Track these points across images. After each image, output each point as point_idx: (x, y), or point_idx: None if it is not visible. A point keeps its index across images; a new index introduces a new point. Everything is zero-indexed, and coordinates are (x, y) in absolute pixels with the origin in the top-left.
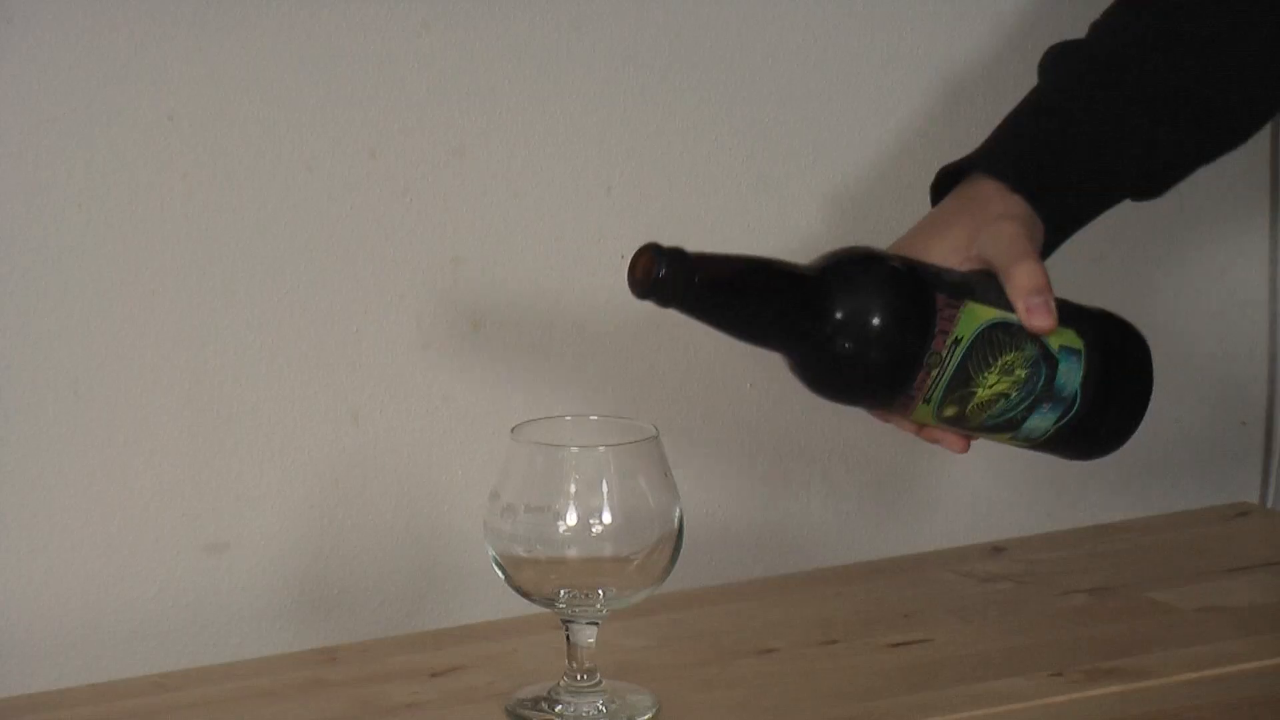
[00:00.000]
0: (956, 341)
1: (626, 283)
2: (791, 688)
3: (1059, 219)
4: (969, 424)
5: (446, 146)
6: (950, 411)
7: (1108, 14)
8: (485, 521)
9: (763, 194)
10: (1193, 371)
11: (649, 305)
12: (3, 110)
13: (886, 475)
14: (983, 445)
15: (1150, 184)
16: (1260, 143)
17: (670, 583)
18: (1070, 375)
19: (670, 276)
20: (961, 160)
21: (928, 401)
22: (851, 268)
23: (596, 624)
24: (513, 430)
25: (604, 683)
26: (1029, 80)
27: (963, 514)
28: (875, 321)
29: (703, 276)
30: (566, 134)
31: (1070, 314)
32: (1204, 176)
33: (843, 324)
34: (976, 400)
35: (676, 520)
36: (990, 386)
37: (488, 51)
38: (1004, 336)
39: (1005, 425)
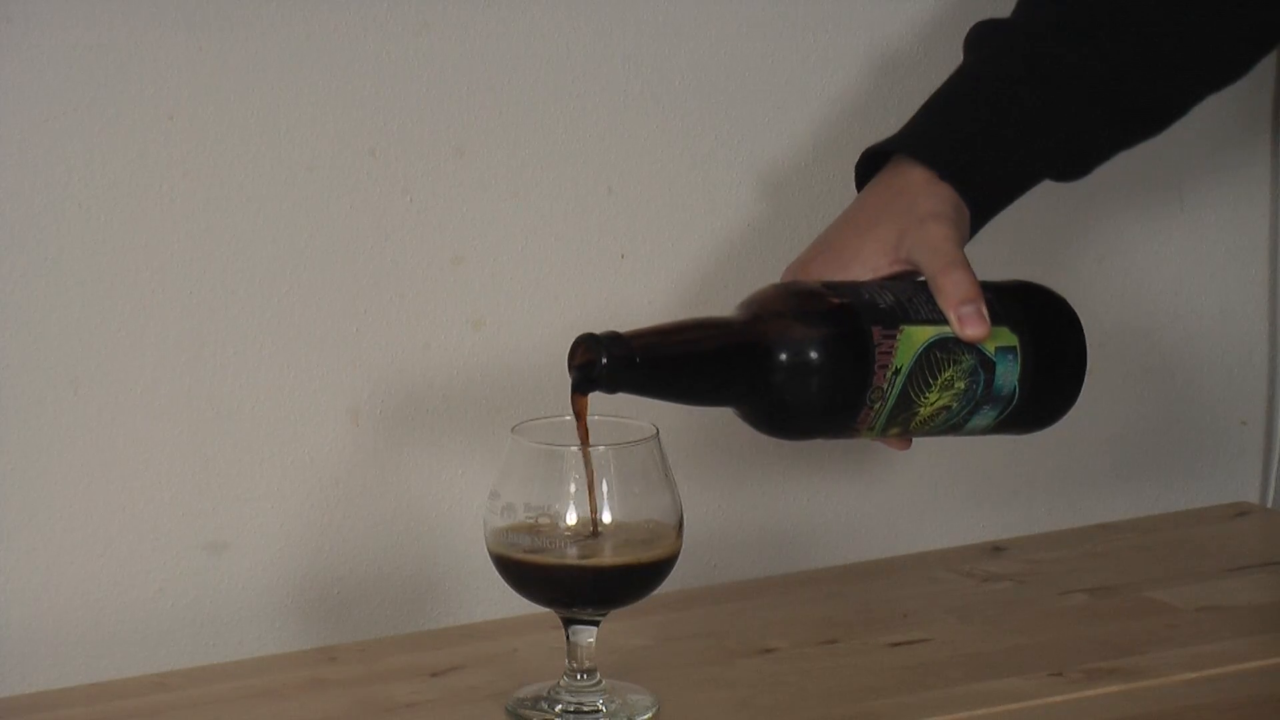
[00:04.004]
0: (896, 371)
1: (569, 372)
2: (791, 688)
3: (984, 202)
4: (913, 434)
5: (446, 146)
6: (894, 431)
7: None
8: (485, 521)
9: (763, 193)
10: (1193, 371)
11: (648, 307)
12: (3, 110)
13: (887, 475)
14: (983, 447)
15: (1074, 165)
16: (1260, 143)
17: (670, 583)
18: (1008, 374)
19: (612, 364)
20: (886, 141)
21: (871, 429)
22: (786, 315)
23: (596, 624)
24: (513, 430)
25: (604, 682)
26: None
27: (963, 514)
28: (815, 373)
29: (644, 357)
30: (566, 134)
31: (1001, 310)
32: (1204, 177)
33: (784, 378)
34: (919, 418)
35: (676, 520)
36: (932, 404)
37: (488, 51)
38: (941, 354)
39: (948, 429)
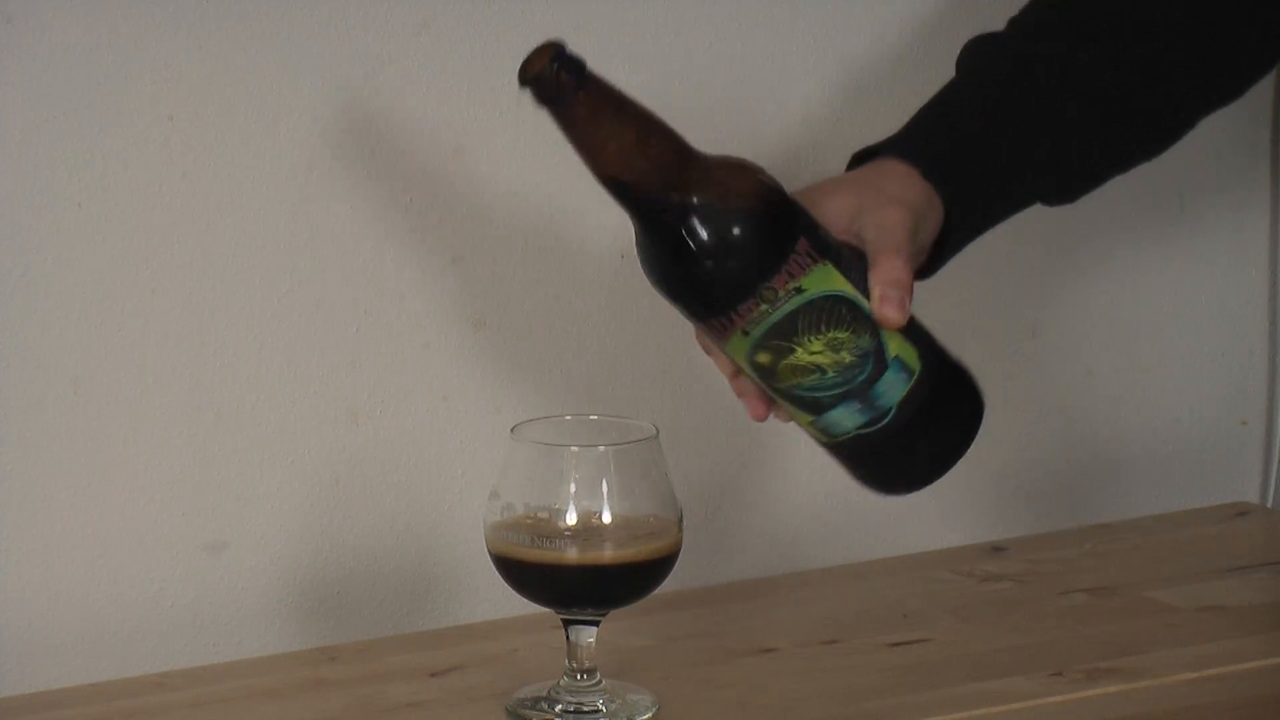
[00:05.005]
0: (799, 290)
1: (517, 72)
2: (791, 688)
3: (968, 209)
4: (778, 383)
5: (446, 146)
6: (764, 359)
7: (1027, 9)
8: (485, 521)
9: None
10: (1193, 371)
11: (649, 306)
12: (3, 110)
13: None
14: (983, 446)
15: (1064, 189)
16: (1260, 144)
17: (670, 583)
18: (893, 388)
19: (556, 74)
20: (876, 145)
21: (745, 334)
22: (738, 170)
23: (596, 624)
24: (513, 430)
25: (604, 682)
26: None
27: (963, 514)
28: (729, 224)
29: (592, 89)
30: None
31: (923, 337)
32: (1204, 177)
33: (698, 208)
34: (793, 359)
35: (676, 520)
36: (811, 352)
37: (488, 51)
38: (846, 313)
39: (811, 404)
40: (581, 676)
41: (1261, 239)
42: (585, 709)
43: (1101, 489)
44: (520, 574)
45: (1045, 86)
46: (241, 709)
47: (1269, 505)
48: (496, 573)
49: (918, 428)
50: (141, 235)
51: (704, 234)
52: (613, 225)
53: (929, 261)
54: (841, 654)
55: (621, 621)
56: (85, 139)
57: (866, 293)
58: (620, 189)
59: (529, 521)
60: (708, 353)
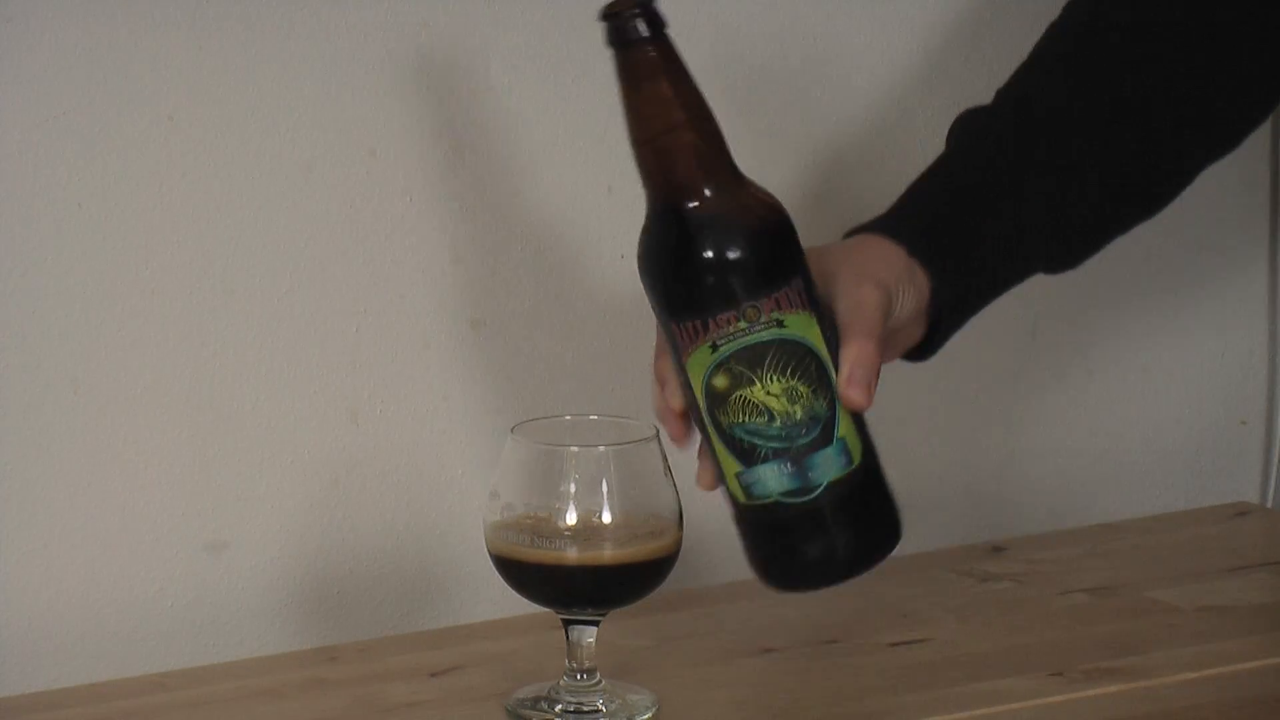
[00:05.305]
0: (779, 324)
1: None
2: (791, 688)
3: (961, 286)
4: (723, 416)
5: (446, 146)
6: (720, 382)
7: (1013, 78)
8: (485, 521)
9: None
10: (1193, 371)
11: (649, 307)
12: (3, 110)
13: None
14: (983, 444)
15: (1063, 258)
16: (1260, 145)
17: (670, 583)
18: (829, 466)
19: (634, 17)
20: (865, 223)
21: (713, 349)
22: (765, 194)
23: (596, 624)
24: (513, 430)
25: (604, 682)
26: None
27: (963, 514)
28: (740, 230)
29: (662, 47)
30: (566, 134)
31: (870, 441)
32: (1204, 177)
33: (716, 204)
34: (748, 392)
35: (676, 520)
36: (768, 392)
37: (488, 51)
38: (814, 370)
39: (746, 451)
40: (581, 676)
41: (1261, 239)
42: (585, 709)
43: (1101, 489)
44: (520, 574)
45: (1036, 158)
46: (241, 709)
47: (1269, 505)
48: (496, 573)
49: (837, 519)
50: (141, 235)
51: (713, 229)
52: (612, 225)
53: (925, 342)
54: (841, 654)
55: (621, 621)
56: (85, 139)
57: (836, 364)
58: (653, 158)
59: (529, 521)
60: (660, 383)
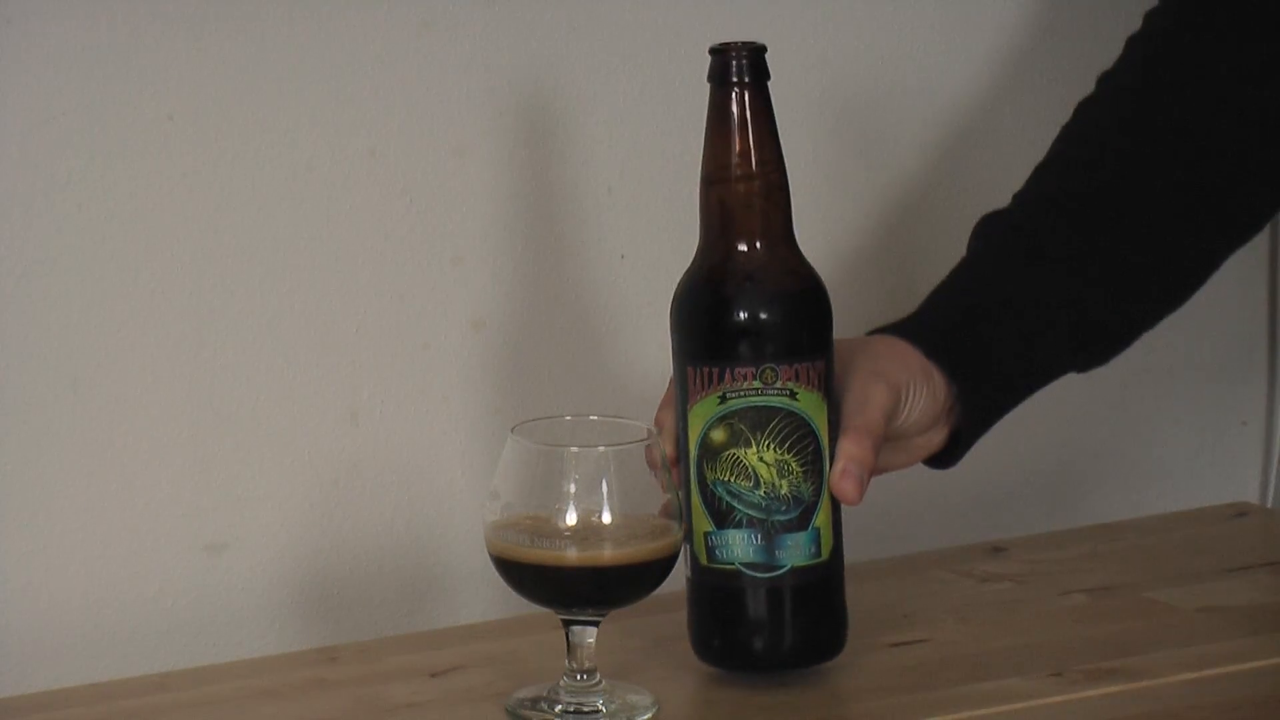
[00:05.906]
0: (792, 395)
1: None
2: (792, 687)
3: (984, 395)
4: (709, 470)
5: (446, 146)
6: (718, 436)
7: (1030, 182)
8: (485, 521)
9: None
10: (1193, 371)
11: (648, 307)
12: (3, 110)
13: (886, 475)
14: (983, 444)
15: (1088, 357)
16: None
17: (670, 583)
18: (798, 550)
19: (737, 59)
20: (885, 325)
21: (721, 400)
22: (815, 274)
23: (596, 624)
24: (513, 430)
25: (604, 683)
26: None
27: (963, 514)
28: (783, 294)
29: (756, 96)
30: (566, 134)
31: (841, 549)
32: None
33: (769, 262)
34: (742, 452)
35: (676, 520)
36: (761, 459)
37: (488, 51)
38: (810, 453)
39: (722, 511)
40: (581, 677)
41: (1262, 239)
42: (585, 709)
43: (1101, 489)
44: (519, 574)
45: (1056, 258)
46: (241, 709)
47: (1269, 505)
48: (496, 573)
49: (793, 604)
50: (141, 235)
51: (757, 284)
52: (612, 226)
53: (949, 448)
54: (842, 654)
55: (621, 621)
56: (85, 139)
57: (833, 456)
58: (717, 200)
59: (528, 521)
60: (658, 426)
